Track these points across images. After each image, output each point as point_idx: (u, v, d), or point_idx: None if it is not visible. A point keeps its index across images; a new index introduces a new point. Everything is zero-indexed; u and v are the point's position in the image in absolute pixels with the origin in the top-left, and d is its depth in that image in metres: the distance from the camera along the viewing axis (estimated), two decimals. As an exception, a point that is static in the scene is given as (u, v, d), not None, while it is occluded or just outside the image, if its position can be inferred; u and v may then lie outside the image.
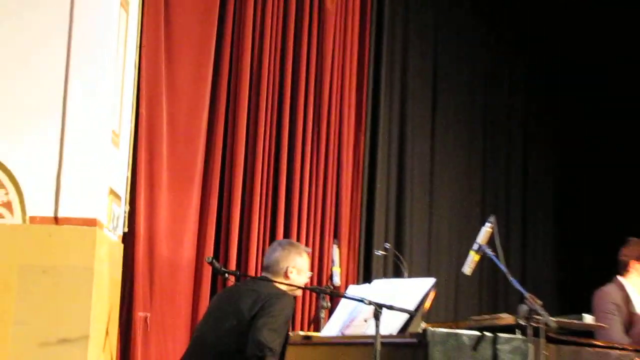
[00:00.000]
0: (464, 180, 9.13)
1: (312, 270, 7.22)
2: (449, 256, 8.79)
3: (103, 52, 5.74)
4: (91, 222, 5.55)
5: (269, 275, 5.17)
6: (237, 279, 5.46)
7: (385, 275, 7.72)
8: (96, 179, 5.63)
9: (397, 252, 7.47)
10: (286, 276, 5.17)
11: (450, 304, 8.73)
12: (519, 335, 4.82)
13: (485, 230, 5.31)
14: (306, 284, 5.67)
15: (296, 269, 5.23)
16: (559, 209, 9.83)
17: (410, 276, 6.86)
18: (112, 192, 5.86)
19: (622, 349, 5.42)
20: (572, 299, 8.11)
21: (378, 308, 4.53)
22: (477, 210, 8.98)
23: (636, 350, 5.54)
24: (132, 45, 6.21)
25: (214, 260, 4.94)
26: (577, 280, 8.71)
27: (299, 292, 5.35)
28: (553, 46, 9.73)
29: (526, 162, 9.72)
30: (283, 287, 5.08)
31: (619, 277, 6.86)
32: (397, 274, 7.36)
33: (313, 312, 7.16)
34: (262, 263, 5.48)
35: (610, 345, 5.42)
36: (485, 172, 9.33)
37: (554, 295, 9.30)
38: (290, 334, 5.25)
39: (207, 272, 6.71)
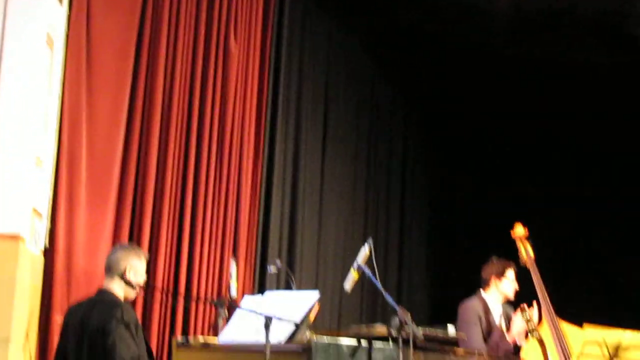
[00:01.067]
0: (349, 204, 9.35)
1: (212, 282, 7.47)
2: (334, 272, 8.99)
3: (30, 85, 5.94)
4: (15, 238, 5.74)
5: (108, 275, 5.43)
6: (145, 291, 5.67)
7: (277, 287, 7.89)
8: (20, 199, 5.82)
9: (288, 268, 7.69)
10: (124, 275, 5.42)
11: (335, 315, 8.92)
12: (391, 344, 5.07)
13: (364, 251, 5.57)
14: (206, 296, 5.91)
15: (134, 269, 5.49)
16: (432, 231, 10.14)
17: (299, 289, 7.05)
18: (35, 211, 6.00)
19: (481, 355, 5.73)
20: (442, 311, 8.39)
21: (268, 319, 4.77)
22: (360, 231, 9.22)
23: (493, 358, 5.86)
24: (56, 78, 6.34)
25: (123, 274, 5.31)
26: (447, 295, 9.00)
27: (133, 295, 5.58)
28: (428, 79, 10.00)
29: (404, 187, 9.99)
30: (122, 288, 5.35)
31: (481, 292, 7.22)
32: (288, 287, 7.53)
33: (212, 320, 7.29)
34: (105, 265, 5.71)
35: (471, 352, 5.73)
36: (368, 197, 9.57)
37: (426, 308, 9.61)
38: (191, 339, 5.46)
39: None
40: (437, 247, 10.04)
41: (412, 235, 9.96)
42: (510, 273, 7.20)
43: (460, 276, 8.62)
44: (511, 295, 7.19)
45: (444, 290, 9.64)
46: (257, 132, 8.23)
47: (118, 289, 5.46)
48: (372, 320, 8.43)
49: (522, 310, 6.68)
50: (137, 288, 5.55)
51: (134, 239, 7.07)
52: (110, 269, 5.49)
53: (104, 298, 5.39)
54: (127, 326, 5.16)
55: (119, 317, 5.15)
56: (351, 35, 9.47)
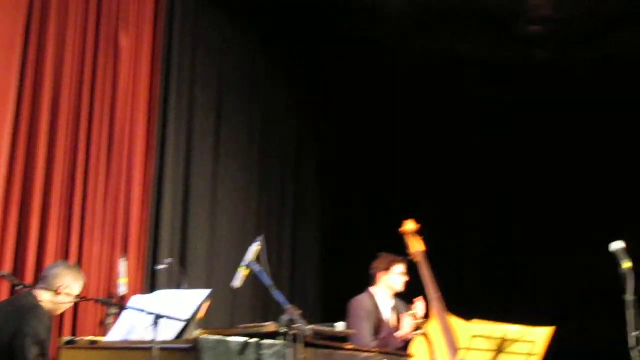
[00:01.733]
0: (242, 202, 9.35)
1: (102, 281, 7.41)
2: (227, 270, 8.94)
3: None
4: None
5: (42, 285, 5.44)
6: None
7: (169, 286, 7.85)
8: None
9: (180, 267, 7.67)
10: (57, 292, 5.50)
11: (228, 313, 8.92)
12: (280, 341, 5.12)
13: (254, 249, 5.60)
14: (96, 295, 5.90)
15: (69, 289, 5.57)
16: (326, 228, 10.20)
17: (191, 287, 7.04)
18: None
19: (368, 351, 5.83)
20: (335, 308, 8.45)
21: (156, 317, 4.78)
22: (253, 230, 9.22)
23: (382, 353, 5.95)
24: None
25: (8, 274, 5.25)
26: (341, 292, 9.06)
27: (62, 309, 5.70)
28: (322, 77, 10.09)
29: (298, 185, 10.04)
30: (51, 301, 5.36)
31: (370, 288, 7.32)
32: (181, 285, 7.51)
33: (101, 319, 7.24)
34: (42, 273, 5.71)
35: (359, 348, 5.81)
36: (261, 195, 9.59)
37: (320, 305, 9.68)
38: (76, 338, 5.44)
39: (6, 285, 6.76)
40: (331, 244, 10.12)
41: (305, 233, 10.02)
42: (397, 267, 7.30)
43: (354, 273, 8.70)
44: (398, 289, 7.29)
45: (337, 287, 9.72)
46: (148, 128, 8.17)
47: (46, 299, 5.49)
48: (265, 318, 8.45)
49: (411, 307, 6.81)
50: (63, 307, 5.65)
51: (22, 236, 6.97)
52: (45, 280, 5.54)
53: (28, 302, 5.39)
54: (41, 334, 5.23)
55: (35, 323, 5.20)
56: (245, 32, 9.49)
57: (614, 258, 5.87)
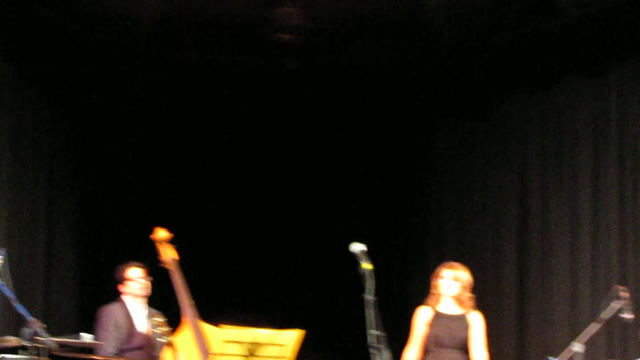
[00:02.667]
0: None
1: None
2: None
3: None
4: None
5: None
6: None
7: None
8: None
9: None
10: None
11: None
12: (24, 355, 5.08)
13: (-2, 262, 5.52)
14: None
15: None
16: (81, 235, 10.06)
17: None
18: None
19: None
20: (92, 319, 8.39)
21: None
22: (3, 241, 8.99)
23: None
24: None
25: None
26: (97, 302, 8.99)
27: None
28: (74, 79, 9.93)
29: (51, 195, 9.85)
30: None
31: (122, 296, 7.34)
32: None
33: None
34: None
35: (106, 358, 5.85)
36: (13, 205, 9.35)
37: (75, 316, 9.54)
38: None
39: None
40: (87, 251, 10.00)
41: (61, 240, 9.85)
42: (132, 272, 7.35)
43: (111, 283, 8.68)
44: (140, 293, 7.32)
45: (94, 297, 9.64)
46: None
47: None
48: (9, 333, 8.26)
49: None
50: None
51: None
52: None
53: None
54: None
55: None
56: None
57: (354, 259, 6.13)
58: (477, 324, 7.24)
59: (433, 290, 7.35)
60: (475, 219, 9.93)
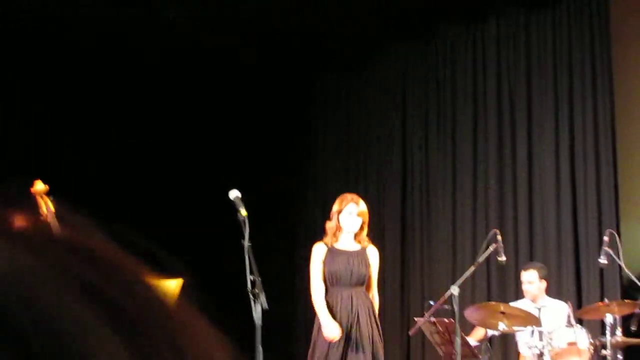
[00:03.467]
0: None
1: None
2: None
3: None
4: None
5: None
6: None
7: None
8: None
9: None
10: None
11: None
12: None
13: None
14: None
15: None
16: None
17: None
18: None
19: None
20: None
21: None
22: None
23: None
24: None
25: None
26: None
27: None
28: None
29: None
30: None
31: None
32: None
33: None
34: None
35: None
36: None
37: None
38: None
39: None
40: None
41: None
42: None
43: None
44: None
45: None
46: None
47: None
48: None
49: None
50: None
51: None
52: None
53: None
54: None
55: None
56: None
57: (232, 206, 6.16)
58: (374, 259, 6.97)
59: (331, 225, 6.94)
60: (357, 172, 10.09)
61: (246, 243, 6.00)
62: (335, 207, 6.92)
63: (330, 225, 6.95)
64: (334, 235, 6.93)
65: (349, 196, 6.99)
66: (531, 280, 7.71)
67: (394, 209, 9.69)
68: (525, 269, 7.82)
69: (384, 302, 8.96)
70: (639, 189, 8.60)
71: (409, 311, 9.12)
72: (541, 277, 7.72)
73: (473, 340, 7.47)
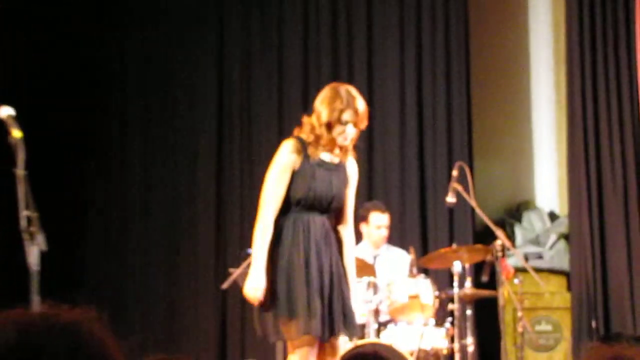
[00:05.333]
0: None
1: None
2: None
3: None
4: None
5: None
6: None
7: None
8: None
9: None
10: None
11: None
12: None
13: None
14: None
15: None
16: None
17: None
18: None
19: None
20: None
21: None
22: None
23: None
24: None
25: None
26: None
27: None
28: None
29: None
30: None
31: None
32: None
33: None
34: None
35: None
36: None
37: None
38: None
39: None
40: None
41: None
42: None
43: None
44: None
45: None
46: None
47: None
48: None
49: None
50: None
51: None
52: None
53: None
54: None
55: None
56: None
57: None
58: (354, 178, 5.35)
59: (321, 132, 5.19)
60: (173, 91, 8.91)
61: (20, 171, 5.02)
62: (331, 114, 5.15)
63: (318, 132, 5.18)
64: (319, 145, 5.17)
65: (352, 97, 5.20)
66: (387, 224, 7.00)
67: (210, 149, 8.66)
68: (382, 211, 6.99)
69: (196, 250, 8.19)
70: (494, 122, 8.26)
71: (225, 261, 8.14)
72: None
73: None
